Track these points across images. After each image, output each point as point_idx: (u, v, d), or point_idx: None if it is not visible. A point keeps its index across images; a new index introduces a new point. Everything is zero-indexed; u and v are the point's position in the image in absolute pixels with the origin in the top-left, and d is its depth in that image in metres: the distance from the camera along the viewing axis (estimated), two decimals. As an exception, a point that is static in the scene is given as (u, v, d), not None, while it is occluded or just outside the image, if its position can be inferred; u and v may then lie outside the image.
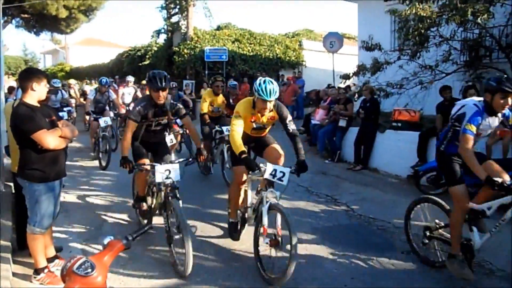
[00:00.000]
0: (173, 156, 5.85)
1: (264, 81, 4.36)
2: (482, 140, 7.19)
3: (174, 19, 22.09)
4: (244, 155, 4.33)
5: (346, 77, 10.99)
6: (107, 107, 10.69)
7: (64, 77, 30.66)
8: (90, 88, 19.66)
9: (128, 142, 4.82)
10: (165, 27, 22.56)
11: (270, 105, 4.45)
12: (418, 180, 7.49)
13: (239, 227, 5.08)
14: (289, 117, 4.63)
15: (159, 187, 4.79)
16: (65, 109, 11.72)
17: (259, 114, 4.66)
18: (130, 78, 14.96)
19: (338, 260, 4.81)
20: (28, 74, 4.02)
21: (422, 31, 8.69)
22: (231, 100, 8.93)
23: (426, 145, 8.21)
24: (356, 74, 10.84)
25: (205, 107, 8.29)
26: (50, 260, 4.35)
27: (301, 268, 4.31)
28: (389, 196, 7.49)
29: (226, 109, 8.70)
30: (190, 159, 5.03)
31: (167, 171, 4.55)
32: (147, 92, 5.12)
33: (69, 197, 6.99)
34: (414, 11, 8.43)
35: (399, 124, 9.14)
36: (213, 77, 8.98)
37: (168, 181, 4.56)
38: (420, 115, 9.39)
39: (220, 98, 8.55)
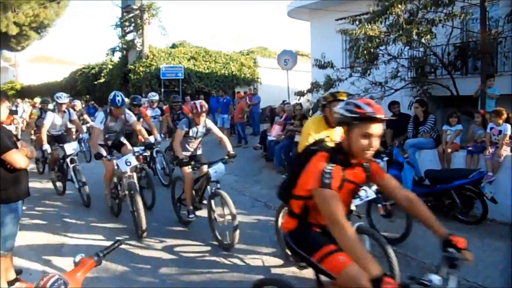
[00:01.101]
0: None
1: None
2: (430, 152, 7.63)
3: (129, 37, 21.99)
4: None
5: (300, 93, 11.28)
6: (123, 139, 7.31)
7: (14, 95, 29.74)
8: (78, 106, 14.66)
9: None
10: (120, 45, 22.39)
11: None
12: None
13: None
14: None
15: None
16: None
17: None
18: (155, 97, 10.87)
19: (299, 275, 4.80)
20: None
21: (372, 49, 9.10)
22: None
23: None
24: (310, 91, 11.14)
25: (304, 143, 4.24)
26: (10, 283, 4.25)
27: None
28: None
29: None
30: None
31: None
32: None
33: (25, 218, 6.73)
34: (363, 31, 8.83)
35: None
36: (322, 97, 5.21)
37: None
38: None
39: (339, 132, 4.57)
